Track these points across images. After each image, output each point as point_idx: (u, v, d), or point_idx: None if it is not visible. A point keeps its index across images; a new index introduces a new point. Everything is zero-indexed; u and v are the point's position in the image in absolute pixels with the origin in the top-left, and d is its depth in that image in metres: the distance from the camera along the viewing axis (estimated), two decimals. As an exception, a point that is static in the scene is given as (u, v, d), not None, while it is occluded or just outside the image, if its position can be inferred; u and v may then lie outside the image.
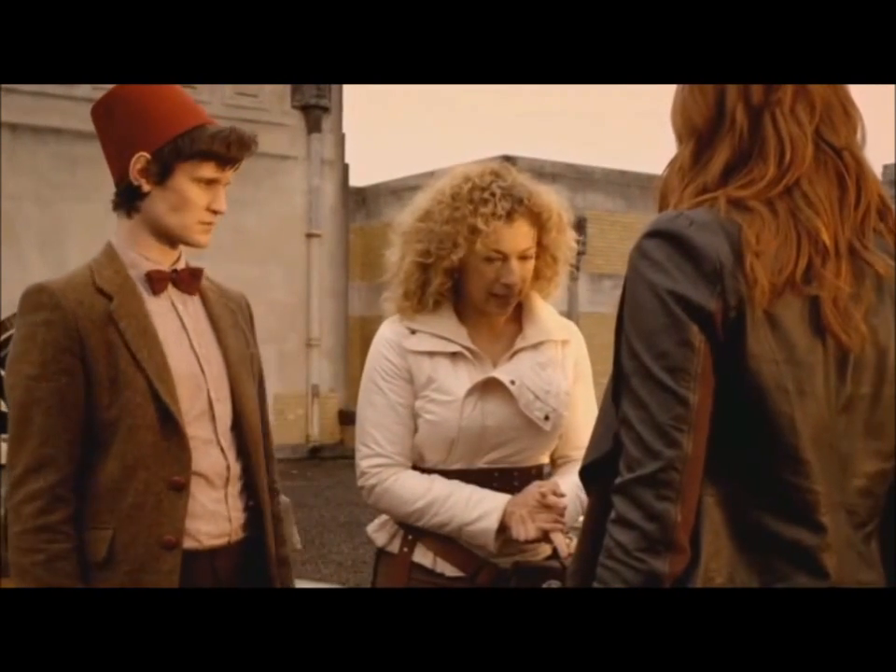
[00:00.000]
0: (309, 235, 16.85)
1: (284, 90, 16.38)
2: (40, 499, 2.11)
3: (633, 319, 1.54)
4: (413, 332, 2.59)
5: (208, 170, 2.24)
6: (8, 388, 2.17)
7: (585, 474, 1.68)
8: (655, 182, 1.71)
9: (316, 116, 16.75)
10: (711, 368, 1.50)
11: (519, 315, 2.64)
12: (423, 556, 2.56)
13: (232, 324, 2.43)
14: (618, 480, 1.53)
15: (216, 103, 14.97)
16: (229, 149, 2.24)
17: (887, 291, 1.58)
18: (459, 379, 2.54)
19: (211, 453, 2.27)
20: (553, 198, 2.57)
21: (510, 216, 2.49)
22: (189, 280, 2.34)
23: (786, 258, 1.51)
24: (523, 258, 2.53)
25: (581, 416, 2.64)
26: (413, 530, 2.57)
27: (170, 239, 2.29)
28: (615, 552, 1.51)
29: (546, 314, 2.66)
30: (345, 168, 17.66)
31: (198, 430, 2.25)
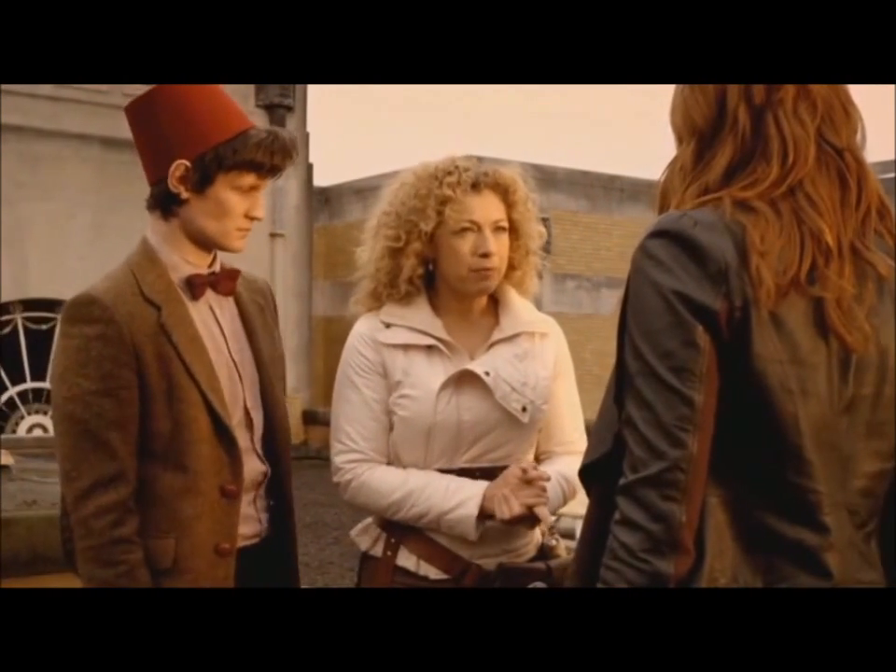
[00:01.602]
0: (273, 235, 16.79)
1: (248, 89, 16.32)
2: (114, 512, 2.10)
3: (637, 319, 1.54)
4: (388, 326, 2.56)
5: (249, 179, 2.19)
6: (63, 400, 2.13)
7: (585, 475, 1.67)
8: (656, 182, 1.70)
9: (280, 115, 16.70)
10: (716, 368, 1.50)
11: (495, 308, 2.63)
12: (406, 559, 2.53)
13: (262, 323, 2.39)
14: (622, 480, 1.52)
15: (178, 102, 14.84)
16: (272, 158, 2.19)
17: (887, 292, 1.58)
18: (434, 373, 2.51)
19: (250, 460, 2.26)
20: (517, 172, 2.58)
21: (475, 186, 2.51)
22: (226, 282, 2.30)
23: (790, 258, 1.51)
24: (497, 229, 2.52)
25: (565, 412, 2.64)
26: (396, 533, 2.55)
27: (207, 244, 2.25)
28: (619, 552, 1.50)
29: (522, 306, 2.65)
30: (309, 168, 17.62)
31: (237, 439, 2.23)
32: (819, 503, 1.54)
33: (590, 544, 1.64)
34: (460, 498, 2.44)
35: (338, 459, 2.57)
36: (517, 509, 2.39)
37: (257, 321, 2.37)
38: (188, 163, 2.16)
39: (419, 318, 2.56)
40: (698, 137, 1.63)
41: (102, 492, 2.10)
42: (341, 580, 7.93)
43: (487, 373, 2.50)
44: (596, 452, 1.64)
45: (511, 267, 2.60)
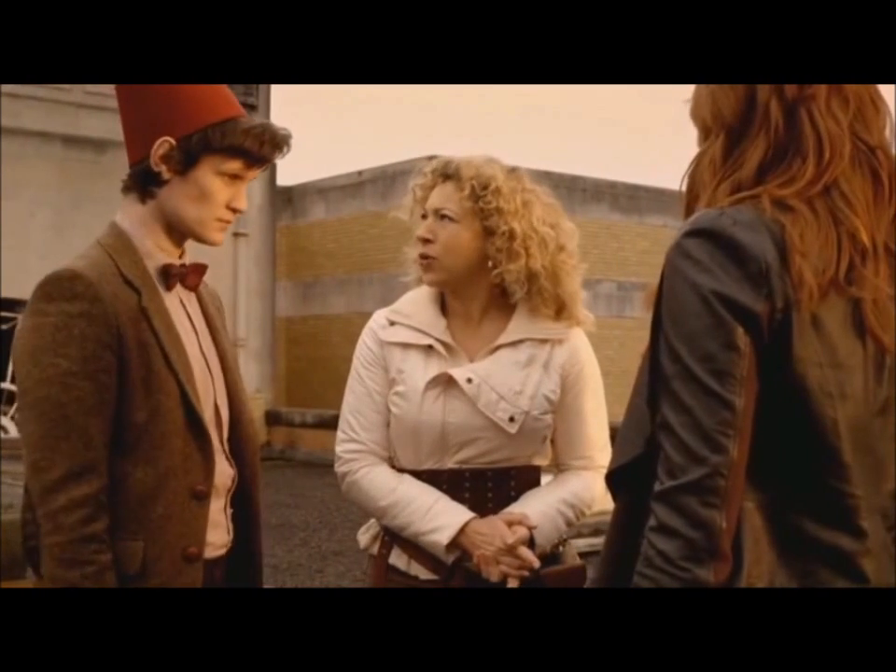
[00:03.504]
0: (236, 234, 16.70)
1: (210, 87, 16.23)
2: (86, 507, 1.95)
3: (674, 321, 1.49)
4: (392, 324, 2.60)
5: (235, 166, 2.11)
6: (35, 382, 1.97)
7: (612, 479, 1.63)
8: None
9: (243, 114, 16.63)
10: (756, 371, 1.46)
11: (511, 312, 2.60)
12: (398, 558, 2.57)
13: (222, 324, 2.33)
14: (658, 486, 1.48)
15: (141, 100, 14.77)
16: (261, 148, 2.11)
17: None
18: (427, 372, 2.52)
19: (220, 461, 2.17)
20: (490, 169, 2.54)
21: (434, 178, 2.57)
22: (193, 276, 2.21)
23: (828, 258, 1.48)
24: (442, 217, 2.52)
25: (583, 424, 2.60)
26: (389, 532, 2.57)
27: (183, 232, 2.16)
28: (656, 560, 1.46)
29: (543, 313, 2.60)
30: (272, 167, 17.52)
31: (211, 436, 2.13)
32: (856, 507, 1.51)
33: (617, 551, 1.61)
34: (437, 524, 2.46)
35: (339, 449, 2.61)
36: (494, 578, 2.42)
37: (218, 321, 2.31)
38: (172, 141, 2.08)
39: (422, 317, 2.58)
40: (727, 131, 1.59)
41: (74, 484, 1.94)
42: (310, 581, 7.89)
43: (470, 380, 2.49)
44: (625, 456, 1.60)
45: (497, 252, 2.52)
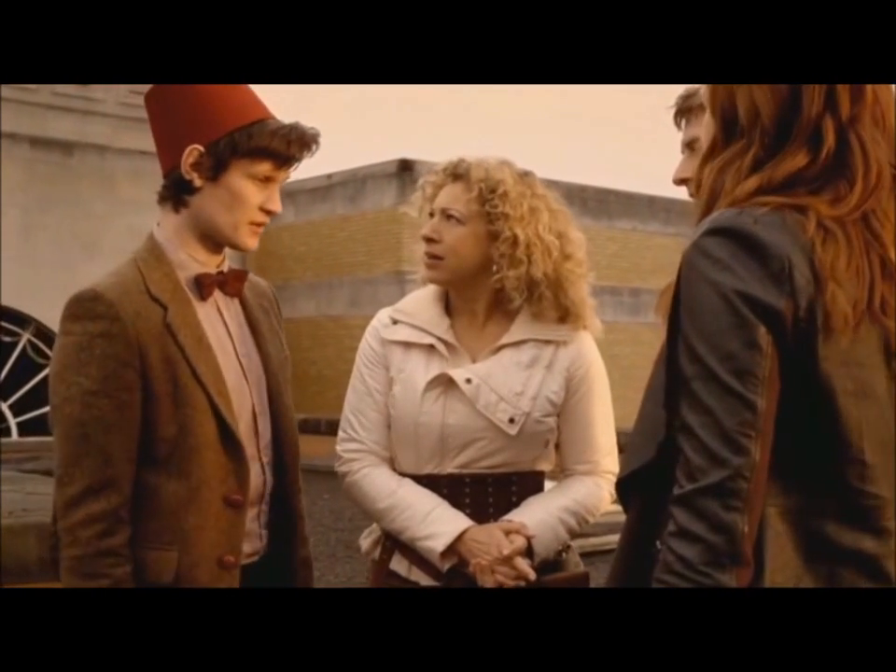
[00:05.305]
0: (205, 237, 16.65)
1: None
2: (103, 522, 2.00)
3: (694, 321, 1.46)
4: (395, 322, 2.59)
5: (264, 168, 2.10)
6: (61, 400, 2.03)
7: (623, 487, 1.61)
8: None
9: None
10: (778, 371, 1.44)
11: (516, 313, 2.57)
12: (398, 563, 2.55)
13: (269, 327, 2.32)
14: (677, 490, 1.45)
15: (110, 101, 14.73)
16: (289, 148, 2.11)
17: None
18: (428, 372, 2.51)
19: (253, 469, 2.17)
20: (500, 173, 2.52)
21: (444, 177, 2.56)
22: (234, 283, 2.22)
23: (860, 287, 1.46)
24: (448, 217, 2.51)
25: (588, 428, 2.57)
26: (392, 537, 2.55)
27: (217, 239, 2.16)
28: (676, 566, 1.43)
29: (548, 315, 2.58)
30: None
31: (244, 446, 2.14)
32: (880, 508, 1.49)
33: (630, 559, 1.59)
34: (433, 531, 2.44)
35: (339, 448, 2.60)
36: (489, 585, 2.40)
37: (263, 324, 2.30)
38: (201, 148, 2.08)
39: (424, 316, 2.57)
40: (762, 138, 1.54)
41: (93, 499, 2.00)
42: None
43: (469, 381, 2.47)
44: (636, 462, 1.57)
45: (499, 257, 2.51)
